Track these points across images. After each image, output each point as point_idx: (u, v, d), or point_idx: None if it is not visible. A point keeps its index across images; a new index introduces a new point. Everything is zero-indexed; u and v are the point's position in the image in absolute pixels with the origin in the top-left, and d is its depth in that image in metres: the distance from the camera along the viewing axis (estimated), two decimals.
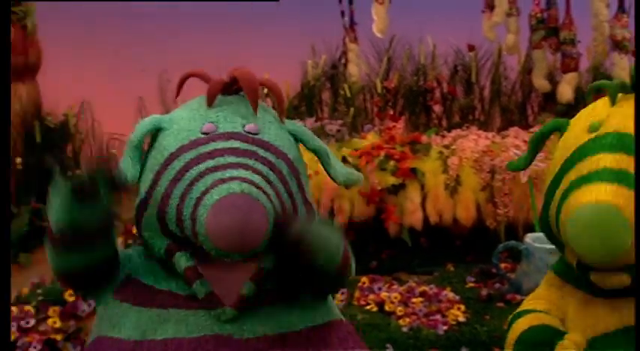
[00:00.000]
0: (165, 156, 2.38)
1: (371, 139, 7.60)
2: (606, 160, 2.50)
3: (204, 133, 2.39)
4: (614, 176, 2.43)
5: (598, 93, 2.85)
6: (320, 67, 8.55)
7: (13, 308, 6.38)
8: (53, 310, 6.37)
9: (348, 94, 8.21)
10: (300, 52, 8.58)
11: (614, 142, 2.54)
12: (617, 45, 7.39)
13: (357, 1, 8.13)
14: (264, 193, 2.22)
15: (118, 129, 8.94)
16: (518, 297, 5.78)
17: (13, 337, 6.09)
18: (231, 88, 2.54)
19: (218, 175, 2.22)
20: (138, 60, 10.05)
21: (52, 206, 2.26)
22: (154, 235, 2.40)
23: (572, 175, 2.55)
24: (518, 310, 2.89)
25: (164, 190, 2.33)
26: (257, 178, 2.25)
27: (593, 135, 2.60)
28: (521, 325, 2.74)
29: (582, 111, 2.82)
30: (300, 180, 2.48)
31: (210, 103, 2.46)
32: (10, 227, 5.91)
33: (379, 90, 8.20)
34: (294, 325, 2.44)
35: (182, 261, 2.35)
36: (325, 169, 2.61)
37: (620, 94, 2.69)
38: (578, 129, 2.70)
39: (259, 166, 2.31)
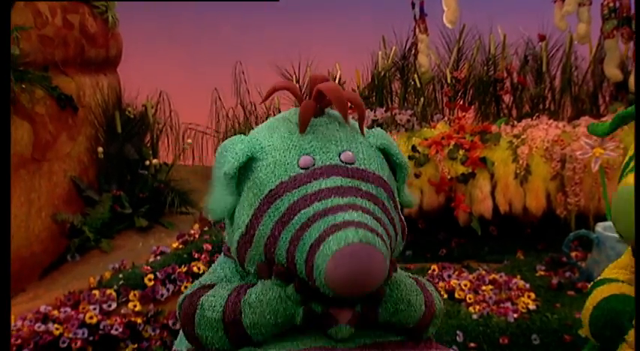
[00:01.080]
0: (265, 192, 2.34)
1: (440, 128, 7.55)
2: None
3: (302, 168, 2.35)
4: None
5: None
6: (390, 58, 8.51)
7: (95, 292, 6.45)
8: (133, 294, 6.42)
9: (418, 85, 8.20)
10: (370, 43, 8.59)
11: None
12: None
13: None
14: (378, 235, 2.18)
15: (194, 119, 9.01)
16: (589, 285, 5.71)
17: (95, 320, 6.16)
18: (320, 108, 2.49)
19: (330, 219, 2.19)
20: (213, 52, 10.09)
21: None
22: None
23: None
24: (600, 278, 2.91)
25: (270, 232, 2.29)
26: (369, 220, 2.21)
27: None
28: (601, 293, 2.75)
29: None
30: (395, 201, 2.46)
31: (302, 130, 2.41)
32: (9, 227, 5.88)
33: (449, 80, 8.16)
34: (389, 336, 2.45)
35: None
36: (398, 186, 2.56)
37: None
38: None
39: (365, 203, 2.27)
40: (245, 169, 2.43)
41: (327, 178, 2.30)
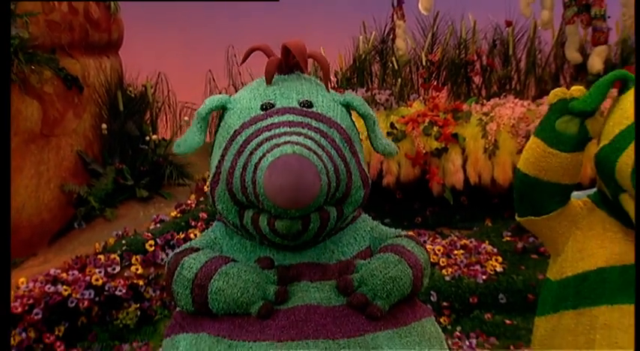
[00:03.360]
0: (230, 133, 2.36)
1: (416, 107, 7.59)
2: None
3: (263, 109, 2.37)
4: None
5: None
6: (370, 42, 8.54)
7: (101, 256, 6.49)
8: (135, 259, 6.47)
9: (396, 67, 8.21)
10: (352, 29, 8.62)
11: None
12: None
13: None
14: (316, 154, 2.19)
15: (190, 98, 9.02)
16: None
17: (100, 282, 6.19)
18: (287, 65, 2.49)
19: (273, 141, 2.21)
20: (207, 37, 10.09)
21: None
22: (226, 206, 2.38)
23: None
24: None
25: (230, 164, 2.31)
26: (309, 142, 2.22)
27: None
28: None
29: None
30: (353, 147, 2.43)
31: (268, 81, 2.44)
32: (9, 226, 5.89)
33: (424, 63, 8.20)
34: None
35: (250, 214, 2.33)
36: (368, 135, 2.55)
37: None
38: None
39: (311, 133, 2.27)
40: (220, 120, 2.48)
41: (281, 115, 2.32)
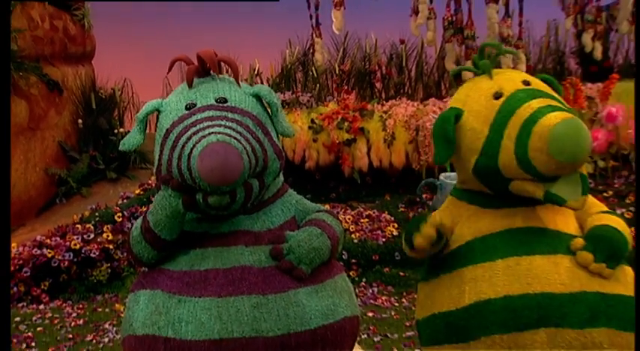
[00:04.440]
0: (164, 132, 2.31)
1: (331, 106, 7.62)
2: (534, 103, 2.48)
3: (187, 108, 2.32)
4: (552, 108, 2.43)
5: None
6: (295, 55, 8.51)
7: (78, 226, 6.45)
8: (107, 227, 6.42)
9: (315, 75, 8.21)
10: (280, 45, 8.63)
11: (524, 95, 2.52)
12: (504, 39, 7.42)
13: (321, 8, 8.10)
14: (235, 139, 2.18)
15: (150, 99, 8.88)
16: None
17: (78, 246, 6.16)
18: (204, 69, 2.44)
19: (199, 134, 2.18)
20: (165, 50, 10.04)
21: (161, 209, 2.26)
22: (170, 192, 2.29)
23: (515, 122, 2.46)
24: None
25: (167, 157, 2.26)
26: (228, 131, 2.21)
27: (504, 97, 2.57)
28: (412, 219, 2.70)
29: (466, 91, 2.67)
30: (265, 128, 2.39)
31: (189, 85, 2.39)
32: (9, 226, 5.86)
33: (337, 71, 8.19)
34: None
35: (199, 198, 2.26)
36: (272, 119, 2.48)
37: (493, 71, 2.72)
38: (483, 100, 2.58)
39: (229, 123, 2.25)
40: (158, 122, 2.41)
41: (202, 112, 2.29)
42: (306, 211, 2.51)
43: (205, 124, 2.23)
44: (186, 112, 2.30)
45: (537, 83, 2.62)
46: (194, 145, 2.15)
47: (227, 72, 2.56)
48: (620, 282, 2.46)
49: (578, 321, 2.37)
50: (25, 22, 7.28)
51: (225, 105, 2.33)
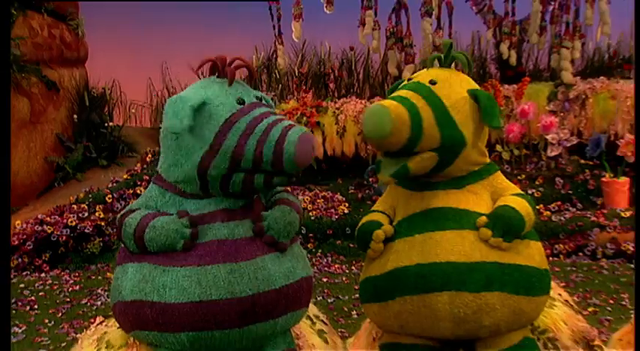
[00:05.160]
0: (222, 121, 2.23)
1: (292, 104, 7.68)
2: (400, 91, 2.55)
3: (239, 103, 2.27)
4: (399, 99, 2.47)
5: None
6: (260, 60, 8.52)
7: (74, 206, 6.44)
8: (99, 207, 6.45)
9: (278, 77, 8.24)
10: (248, 51, 8.58)
11: (412, 85, 2.57)
12: (436, 48, 7.47)
13: (282, 19, 8.07)
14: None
15: (135, 97, 8.92)
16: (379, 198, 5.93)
17: (74, 223, 6.17)
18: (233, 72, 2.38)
19: (280, 125, 2.17)
20: (149, 55, 9.97)
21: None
22: (219, 171, 2.24)
23: None
24: (371, 209, 2.86)
25: (235, 143, 2.20)
26: (291, 122, 2.23)
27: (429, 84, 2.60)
28: (363, 219, 2.75)
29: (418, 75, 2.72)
30: None
31: (230, 83, 2.31)
32: (10, 226, 5.99)
33: (297, 74, 8.23)
34: None
35: (260, 179, 2.26)
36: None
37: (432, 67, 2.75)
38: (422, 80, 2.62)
39: (283, 117, 2.26)
40: (204, 112, 2.28)
41: (257, 108, 2.25)
42: (272, 193, 2.50)
43: (275, 117, 2.22)
44: (243, 105, 2.26)
45: (444, 83, 2.61)
46: (282, 135, 2.14)
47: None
48: (521, 254, 2.53)
49: (475, 286, 2.46)
50: (27, 31, 7.24)
51: (263, 102, 2.33)
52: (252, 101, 2.29)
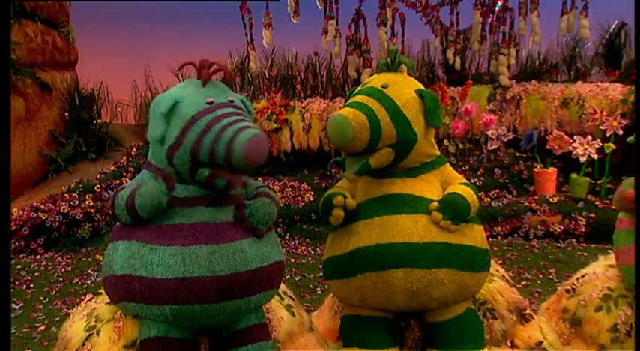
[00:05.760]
0: (188, 118, 2.23)
1: (262, 103, 7.62)
2: (357, 97, 2.57)
3: (208, 103, 2.26)
4: (357, 105, 2.49)
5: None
6: (235, 64, 8.45)
7: (66, 195, 6.37)
8: (88, 196, 6.37)
9: (250, 79, 8.19)
10: (223, 55, 8.52)
11: (367, 90, 2.59)
12: None
13: (254, 28, 8.03)
14: (257, 128, 2.18)
15: (121, 97, 8.83)
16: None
17: (66, 211, 6.10)
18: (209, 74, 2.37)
19: (235, 126, 2.14)
20: (133, 59, 9.86)
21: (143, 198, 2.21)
22: (183, 163, 2.24)
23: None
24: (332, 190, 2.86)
25: (195, 139, 2.19)
26: (249, 124, 2.19)
27: (381, 87, 2.61)
28: (327, 193, 2.76)
29: (372, 78, 2.75)
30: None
31: (204, 84, 2.32)
32: (10, 226, 5.89)
33: (267, 76, 8.18)
34: None
35: (205, 172, 2.23)
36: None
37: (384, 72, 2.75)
38: (375, 85, 2.65)
39: (243, 118, 2.22)
40: (169, 111, 2.29)
41: (224, 108, 2.24)
42: (251, 186, 2.50)
43: (235, 118, 2.19)
44: (210, 105, 2.24)
45: (395, 85, 2.62)
46: (235, 135, 2.12)
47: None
48: (466, 235, 2.58)
49: (427, 263, 2.50)
50: (22, 37, 7.14)
51: (233, 104, 2.30)
52: (222, 102, 2.28)
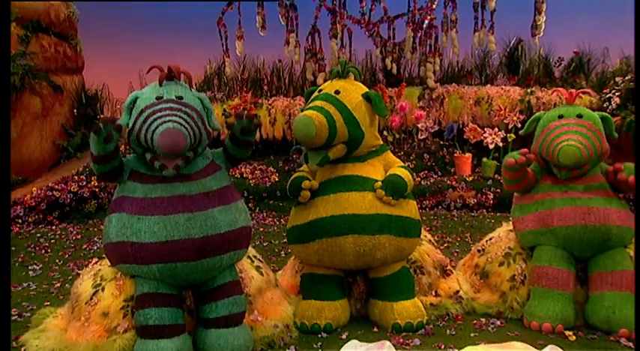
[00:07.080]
0: (139, 111, 2.23)
1: (236, 101, 7.48)
2: (316, 102, 2.58)
3: (157, 99, 2.24)
4: (317, 109, 2.51)
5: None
6: (213, 69, 8.29)
7: (75, 177, 6.21)
8: (93, 178, 6.19)
9: (226, 81, 8.05)
10: (203, 61, 8.39)
11: (323, 96, 2.61)
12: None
13: (228, 39, 7.93)
14: (183, 126, 2.15)
15: (121, 97, 8.60)
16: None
17: (76, 189, 5.96)
18: (170, 76, 2.34)
19: (162, 119, 2.14)
20: (130, 64, 9.61)
21: (92, 144, 2.21)
22: (135, 147, 2.27)
23: None
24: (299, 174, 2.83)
25: (138, 127, 2.20)
26: (180, 120, 2.17)
27: (334, 93, 2.62)
28: (293, 176, 2.76)
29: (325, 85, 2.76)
30: (202, 119, 2.30)
31: (160, 84, 2.30)
32: (10, 225, 5.68)
33: (239, 79, 8.03)
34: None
35: (148, 156, 2.24)
36: (208, 115, 2.36)
37: (335, 78, 2.75)
38: (329, 91, 2.66)
39: (181, 114, 2.20)
40: (130, 103, 2.30)
41: (166, 103, 2.22)
42: (219, 153, 2.46)
43: (166, 112, 2.17)
44: (156, 101, 2.23)
45: (345, 92, 2.63)
46: (157, 126, 2.13)
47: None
48: (404, 208, 2.63)
49: (372, 230, 2.54)
50: (38, 48, 6.94)
51: (181, 101, 2.26)
52: (169, 98, 2.25)
